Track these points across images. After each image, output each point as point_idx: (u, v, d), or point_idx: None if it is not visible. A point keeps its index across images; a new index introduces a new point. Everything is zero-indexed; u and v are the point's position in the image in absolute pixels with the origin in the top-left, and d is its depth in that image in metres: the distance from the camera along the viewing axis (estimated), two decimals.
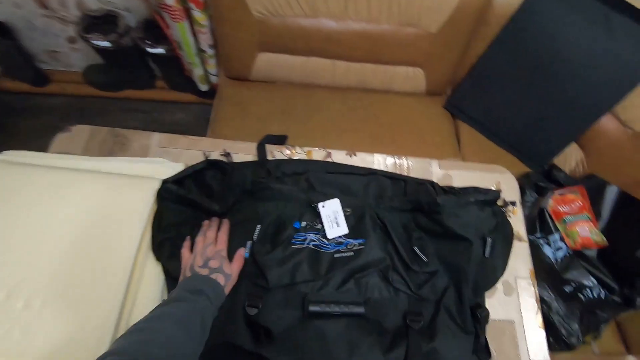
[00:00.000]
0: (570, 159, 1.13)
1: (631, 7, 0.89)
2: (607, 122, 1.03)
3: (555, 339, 0.87)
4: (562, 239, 0.98)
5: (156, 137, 0.80)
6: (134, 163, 0.73)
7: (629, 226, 0.95)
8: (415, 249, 0.67)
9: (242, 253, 0.62)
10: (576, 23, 0.95)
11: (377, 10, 1.06)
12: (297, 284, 0.63)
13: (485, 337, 0.62)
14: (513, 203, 0.76)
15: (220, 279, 0.57)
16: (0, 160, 0.67)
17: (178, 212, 0.63)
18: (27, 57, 1.47)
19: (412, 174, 0.80)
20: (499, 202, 0.75)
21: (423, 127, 1.19)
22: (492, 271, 0.65)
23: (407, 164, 0.82)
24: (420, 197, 0.69)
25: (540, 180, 1.08)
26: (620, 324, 0.98)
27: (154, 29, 1.26)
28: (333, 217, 0.70)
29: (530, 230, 1.01)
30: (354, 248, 0.67)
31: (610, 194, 1.00)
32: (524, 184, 1.05)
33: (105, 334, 0.54)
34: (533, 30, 1.00)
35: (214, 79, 1.36)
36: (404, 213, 0.71)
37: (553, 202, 1.04)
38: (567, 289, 0.92)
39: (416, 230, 0.69)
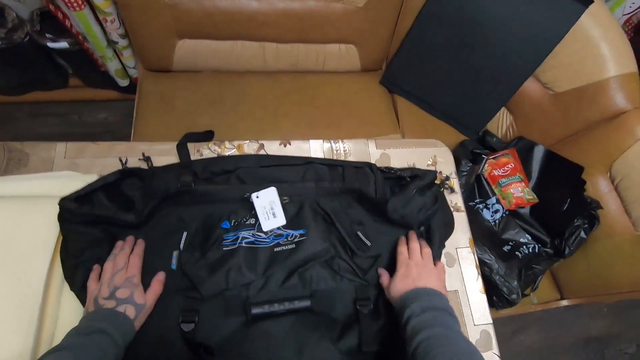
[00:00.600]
0: (501, 124, 1.18)
1: None
2: (530, 86, 1.07)
3: (498, 298, 0.92)
4: (498, 202, 1.03)
5: (61, 147, 0.70)
6: (35, 180, 0.64)
7: (555, 182, 1.01)
8: (359, 233, 0.66)
9: (160, 278, 0.56)
10: None
11: None
12: (235, 289, 0.59)
13: None
14: (448, 178, 0.77)
15: (129, 311, 0.50)
16: None
17: (86, 234, 0.56)
18: None
19: (350, 157, 0.78)
20: (437, 182, 0.76)
21: (360, 106, 1.17)
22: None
23: (344, 147, 0.80)
24: (368, 196, 0.67)
25: (475, 148, 1.11)
26: (554, 273, 1.06)
27: (52, 20, 1.10)
28: (269, 208, 0.66)
29: (470, 197, 1.05)
30: (295, 240, 0.64)
31: (538, 154, 1.05)
32: (460, 153, 1.08)
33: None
34: (455, 1, 1.00)
35: (133, 72, 1.24)
36: (344, 196, 0.70)
37: (489, 167, 1.08)
38: (506, 248, 0.97)
39: (356, 212, 0.68)
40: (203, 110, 1.05)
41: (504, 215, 1.03)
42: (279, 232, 0.65)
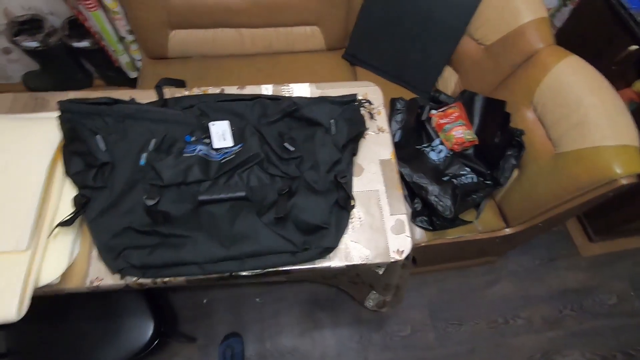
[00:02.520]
0: (450, 82, 1.32)
1: None
2: (468, 45, 1.22)
3: (437, 217, 1.03)
4: (442, 144, 1.16)
5: (71, 94, 0.93)
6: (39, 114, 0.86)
7: (491, 122, 1.13)
8: (286, 144, 0.83)
9: None
10: None
11: None
12: (190, 184, 0.77)
13: (347, 191, 0.77)
14: (370, 102, 0.93)
15: None
16: None
17: (74, 128, 0.76)
18: None
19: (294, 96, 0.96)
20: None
21: (323, 76, 1.36)
22: (339, 140, 0.81)
23: (289, 89, 0.99)
24: (284, 105, 0.85)
25: (424, 103, 1.26)
26: (499, 205, 1.16)
27: (78, 27, 1.40)
28: (221, 134, 0.85)
29: (417, 142, 1.18)
30: (235, 151, 0.82)
31: (478, 102, 1.18)
32: (410, 105, 1.23)
33: (24, 233, 0.68)
34: None
35: (139, 64, 1.51)
36: (279, 123, 0.87)
37: (436, 118, 1.22)
38: (445, 178, 1.09)
39: (288, 133, 0.85)
40: (192, 84, 1.28)
41: (447, 155, 1.15)
42: (226, 150, 0.84)
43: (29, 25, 1.40)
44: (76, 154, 0.77)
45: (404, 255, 0.78)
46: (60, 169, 0.78)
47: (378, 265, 0.80)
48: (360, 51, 1.40)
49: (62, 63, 1.55)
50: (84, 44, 1.42)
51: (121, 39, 1.39)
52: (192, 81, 1.32)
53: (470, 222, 1.09)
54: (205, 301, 1.38)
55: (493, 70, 1.17)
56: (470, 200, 1.06)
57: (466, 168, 1.11)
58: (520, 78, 1.07)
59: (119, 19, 1.30)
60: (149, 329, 0.96)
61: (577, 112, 0.90)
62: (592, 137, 0.87)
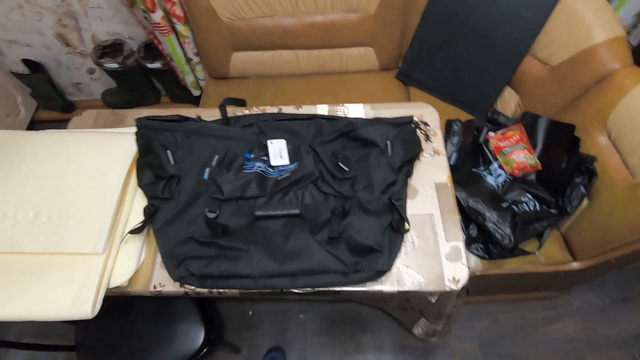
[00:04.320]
0: (510, 103, 1.27)
1: None
2: (531, 64, 1.17)
3: (493, 245, 0.97)
4: (501, 167, 1.11)
5: (144, 112, 1.02)
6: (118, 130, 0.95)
7: (557, 146, 1.06)
8: (340, 164, 0.84)
9: None
10: None
11: (323, 2, 1.28)
12: (247, 199, 0.81)
13: (401, 213, 0.76)
14: (426, 123, 0.91)
15: None
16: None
17: (147, 142, 0.83)
18: (57, 90, 1.80)
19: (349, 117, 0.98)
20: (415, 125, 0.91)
21: (375, 95, 1.37)
22: (394, 162, 0.80)
23: (344, 109, 1.00)
24: (340, 125, 0.86)
25: (481, 124, 1.21)
26: (565, 236, 1.07)
27: (152, 50, 1.55)
28: (278, 152, 0.88)
29: (473, 164, 1.14)
30: (291, 169, 0.85)
31: (542, 125, 1.12)
32: (466, 127, 1.19)
33: (102, 238, 0.74)
34: None
35: (203, 83, 1.62)
36: (334, 143, 0.89)
37: (495, 140, 1.17)
38: (504, 204, 1.03)
39: (342, 152, 0.86)
40: (251, 102, 1.35)
41: (507, 180, 1.09)
42: (282, 167, 0.87)
43: (111, 48, 1.57)
44: (148, 167, 0.83)
45: (460, 285, 0.74)
46: (133, 180, 0.85)
47: (431, 293, 0.77)
48: (414, 71, 1.39)
49: (136, 82, 1.71)
50: (156, 64, 1.56)
51: (188, 60, 1.51)
52: (250, 99, 1.39)
53: (532, 252, 1.02)
54: (250, 313, 1.41)
55: (559, 92, 1.10)
56: (531, 229, 1.00)
57: (527, 194, 1.05)
58: (591, 100, 1.00)
59: (188, 43, 1.42)
60: (200, 336, 0.99)
61: None
62: None
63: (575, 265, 1.01)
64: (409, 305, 0.97)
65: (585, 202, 1.00)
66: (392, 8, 1.28)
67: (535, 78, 1.16)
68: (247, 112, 1.01)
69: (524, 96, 1.22)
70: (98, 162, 0.84)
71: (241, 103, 1.02)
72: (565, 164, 1.01)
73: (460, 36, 1.22)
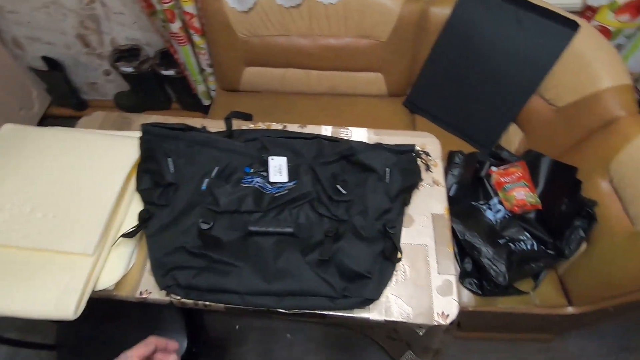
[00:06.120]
0: (514, 139, 1.27)
1: (533, 5, 1.09)
2: (536, 104, 1.18)
3: (487, 282, 0.96)
4: (500, 203, 1.10)
5: (152, 117, 1.04)
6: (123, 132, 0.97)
7: (558, 187, 1.05)
8: (338, 186, 0.84)
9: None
10: (494, 23, 1.15)
11: (337, 26, 1.31)
12: (242, 213, 0.81)
13: (394, 242, 0.75)
14: (427, 153, 0.92)
15: None
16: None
17: (149, 148, 0.84)
18: (72, 88, 1.84)
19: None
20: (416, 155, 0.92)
21: (382, 120, 1.38)
22: (392, 189, 0.80)
23: (348, 132, 1.01)
24: (341, 148, 0.87)
25: (484, 158, 1.21)
26: (562, 280, 1.05)
27: (167, 58, 1.59)
28: (278, 168, 0.89)
29: (473, 197, 1.13)
30: (289, 187, 0.85)
31: (545, 164, 1.12)
32: (468, 159, 1.19)
33: (93, 239, 0.74)
34: (463, 32, 1.20)
35: (213, 94, 1.65)
36: (334, 164, 0.89)
37: (497, 176, 1.16)
38: (501, 241, 1.02)
39: (341, 175, 0.87)
40: (257, 117, 1.37)
41: (506, 216, 1.08)
42: (280, 185, 0.87)
43: (128, 53, 1.61)
44: (147, 172, 0.84)
45: (448, 320, 0.72)
46: (132, 184, 0.85)
47: (419, 326, 0.76)
48: (421, 100, 1.40)
49: (149, 86, 1.75)
50: (170, 72, 1.60)
51: (202, 71, 1.54)
52: (258, 114, 1.40)
53: (526, 292, 1.00)
54: (237, 327, 1.39)
55: (563, 133, 1.10)
56: (527, 268, 0.98)
57: (526, 233, 1.03)
58: (595, 145, 1.00)
59: (203, 54, 1.45)
60: (182, 348, 0.97)
61: None
62: None
63: (570, 310, 0.99)
64: (397, 336, 0.95)
65: (583, 246, 0.99)
66: (403, 37, 1.30)
67: (540, 117, 1.17)
68: (252, 126, 1.02)
69: (528, 134, 1.23)
70: (100, 163, 0.85)
71: (247, 117, 1.04)
72: (566, 205, 1.00)
73: (469, 70, 1.24)
